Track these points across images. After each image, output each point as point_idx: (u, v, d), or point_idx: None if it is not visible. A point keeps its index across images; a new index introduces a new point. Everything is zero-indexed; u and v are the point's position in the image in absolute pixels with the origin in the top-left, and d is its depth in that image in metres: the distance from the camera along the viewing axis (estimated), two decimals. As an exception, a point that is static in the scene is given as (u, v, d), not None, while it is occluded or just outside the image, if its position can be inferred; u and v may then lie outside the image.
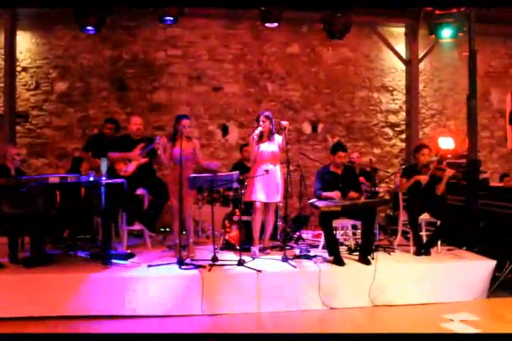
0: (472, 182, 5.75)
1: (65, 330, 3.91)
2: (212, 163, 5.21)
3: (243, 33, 7.77)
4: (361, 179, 5.97)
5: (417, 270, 4.73)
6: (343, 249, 5.18)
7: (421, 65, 8.07)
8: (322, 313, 4.40)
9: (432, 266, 4.81)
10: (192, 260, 4.76)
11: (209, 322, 4.14)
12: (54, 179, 4.43)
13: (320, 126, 8.02)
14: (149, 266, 4.55)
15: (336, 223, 5.03)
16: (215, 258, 4.61)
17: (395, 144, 8.26)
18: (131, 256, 4.90)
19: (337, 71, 8.02)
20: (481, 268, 4.84)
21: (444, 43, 7.64)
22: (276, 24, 6.71)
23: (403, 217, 5.42)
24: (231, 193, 5.88)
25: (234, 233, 5.40)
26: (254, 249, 5.06)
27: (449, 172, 5.22)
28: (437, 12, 6.83)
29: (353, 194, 4.94)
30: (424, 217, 5.28)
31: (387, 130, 8.22)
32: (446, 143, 7.35)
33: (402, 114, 8.23)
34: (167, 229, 6.26)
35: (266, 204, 5.14)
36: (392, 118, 8.22)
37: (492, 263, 4.85)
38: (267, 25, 6.76)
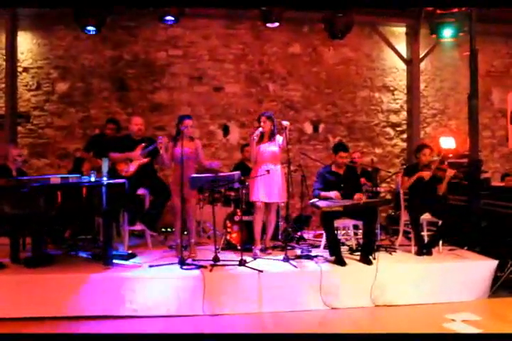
0: (473, 182, 5.74)
1: (66, 331, 3.91)
2: (213, 163, 5.21)
3: (244, 33, 7.75)
4: (362, 180, 5.95)
5: (419, 270, 4.73)
6: (344, 248, 5.18)
7: (422, 65, 8.06)
8: (323, 313, 4.40)
9: (433, 266, 4.80)
10: (193, 260, 4.76)
11: (210, 323, 4.14)
12: (55, 179, 4.43)
13: (321, 126, 8.01)
14: (151, 266, 4.55)
15: (337, 223, 5.02)
16: (216, 259, 4.61)
17: (396, 144, 8.25)
18: (132, 256, 4.90)
19: (338, 71, 8.00)
20: (482, 268, 4.83)
21: (445, 43, 7.61)
22: (277, 24, 6.70)
23: (405, 216, 5.41)
24: (232, 193, 5.87)
25: (235, 233, 5.40)
26: (256, 249, 5.06)
27: (450, 172, 5.23)
28: (438, 12, 6.82)
29: (358, 196, 4.83)
30: (426, 216, 5.27)
31: (389, 130, 8.21)
32: (448, 143, 7.36)
33: (404, 114, 8.21)
34: (168, 229, 6.27)
35: (267, 205, 5.13)
36: (393, 118, 8.21)
37: (494, 263, 4.84)
38: (268, 25, 6.75)
